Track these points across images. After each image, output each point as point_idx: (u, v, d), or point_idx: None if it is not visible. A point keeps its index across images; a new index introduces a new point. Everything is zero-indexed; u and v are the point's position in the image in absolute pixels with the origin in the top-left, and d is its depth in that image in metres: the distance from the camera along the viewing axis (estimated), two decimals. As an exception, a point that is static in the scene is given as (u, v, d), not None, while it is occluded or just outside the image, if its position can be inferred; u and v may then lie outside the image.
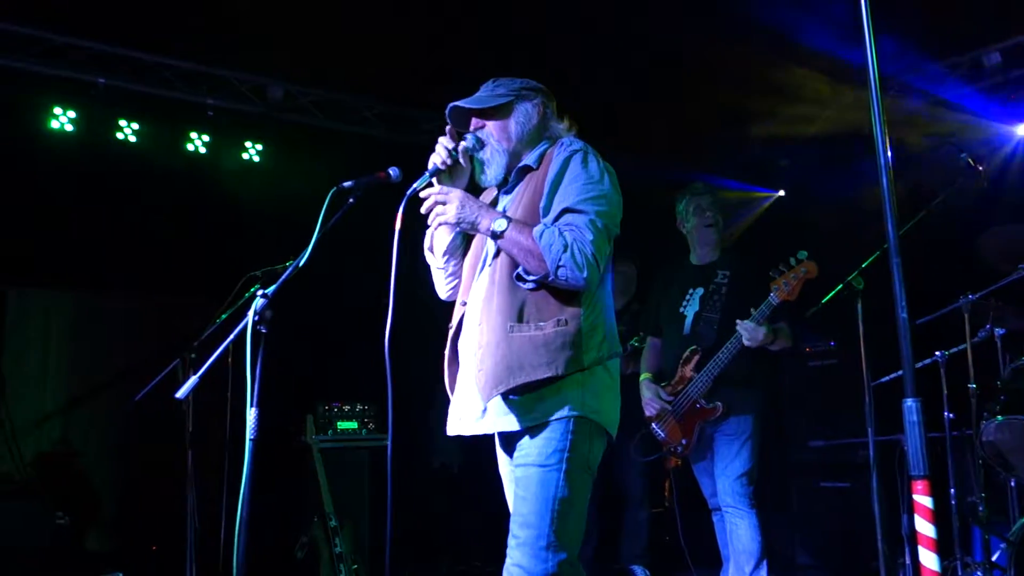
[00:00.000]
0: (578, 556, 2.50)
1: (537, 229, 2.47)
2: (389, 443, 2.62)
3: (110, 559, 4.98)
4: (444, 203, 2.55)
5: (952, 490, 4.25)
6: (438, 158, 2.63)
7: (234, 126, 6.17)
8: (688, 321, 4.60)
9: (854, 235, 4.54)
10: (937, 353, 4.31)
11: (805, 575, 5.73)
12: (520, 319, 2.51)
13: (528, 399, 2.49)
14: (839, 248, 4.55)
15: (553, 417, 2.48)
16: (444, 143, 2.65)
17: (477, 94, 2.76)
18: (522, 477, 2.50)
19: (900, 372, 4.28)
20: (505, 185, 2.79)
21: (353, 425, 5.97)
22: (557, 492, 2.43)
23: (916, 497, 1.99)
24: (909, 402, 1.97)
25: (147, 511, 6.12)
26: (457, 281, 2.85)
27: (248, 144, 6.28)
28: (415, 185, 2.61)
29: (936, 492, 4.32)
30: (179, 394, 2.91)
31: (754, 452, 4.44)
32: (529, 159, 2.71)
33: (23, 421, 6.31)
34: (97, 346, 6.92)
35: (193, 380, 2.91)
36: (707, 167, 7.13)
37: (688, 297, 4.67)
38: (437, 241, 2.82)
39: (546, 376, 2.46)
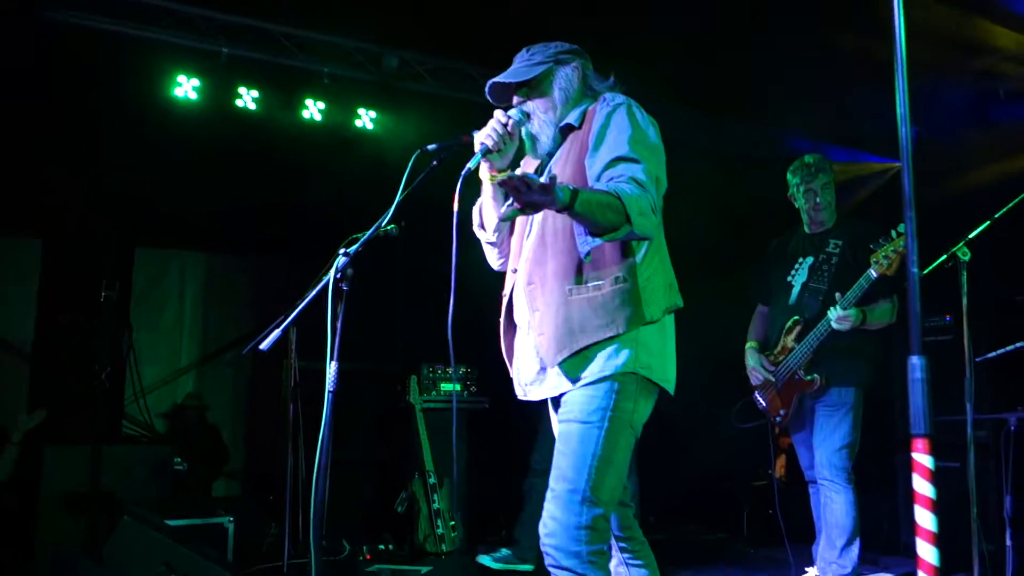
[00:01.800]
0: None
1: (603, 184, 2.44)
2: (454, 417, 2.70)
3: (230, 504, 5.25)
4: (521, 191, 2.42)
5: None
6: (489, 140, 2.59)
7: (349, 93, 6.34)
8: (795, 291, 4.54)
9: (968, 207, 4.34)
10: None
11: (908, 554, 5.54)
12: (578, 280, 2.51)
13: (583, 359, 2.50)
14: (953, 220, 4.37)
15: (605, 375, 2.48)
16: (495, 124, 2.61)
17: (514, 66, 2.73)
18: (564, 432, 2.52)
19: (1010, 347, 4.15)
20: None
21: (456, 387, 6.12)
22: (597, 449, 2.44)
23: (915, 455, 1.97)
24: (914, 359, 1.94)
25: (267, 461, 6.44)
26: (507, 252, 2.85)
27: (362, 111, 6.45)
28: (469, 165, 2.59)
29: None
30: (263, 346, 3.07)
31: (855, 425, 4.34)
32: (571, 118, 2.68)
33: (157, 376, 6.73)
34: (227, 304, 7.31)
35: (276, 333, 3.07)
36: (829, 135, 6.93)
37: (798, 266, 4.59)
38: (487, 216, 2.82)
39: (608, 336, 2.47)
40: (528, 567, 4.85)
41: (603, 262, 2.51)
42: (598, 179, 2.50)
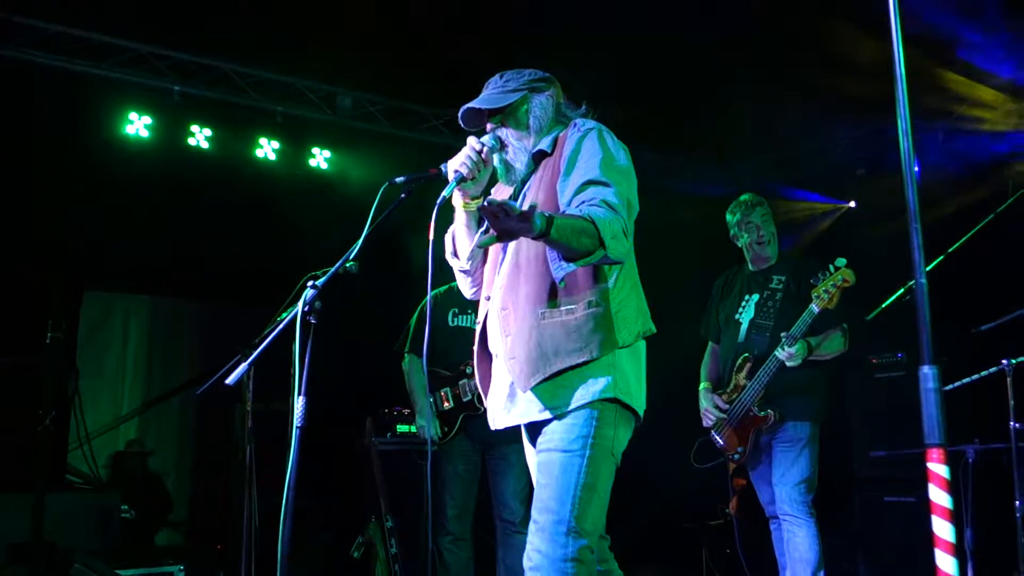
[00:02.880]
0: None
1: (575, 208, 2.43)
2: (428, 453, 2.66)
3: (177, 553, 5.08)
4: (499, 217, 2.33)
5: (1017, 503, 4.10)
6: (464, 168, 2.58)
7: (303, 133, 6.30)
8: (743, 328, 4.58)
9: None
10: (1004, 361, 4.17)
11: (869, 592, 5.58)
12: (551, 305, 2.49)
13: (558, 386, 2.48)
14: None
15: (583, 403, 2.46)
16: (469, 152, 2.60)
17: (487, 92, 2.73)
18: (544, 462, 2.49)
19: (967, 379, 4.22)
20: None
21: (412, 428, 6.02)
22: (579, 478, 2.42)
23: (931, 465, 1.99)
24: (925, 369, 1.97)
25: (214, 508, 6.27)
26: (480, 281, 2.83)
27: (316, 150, 6.41)
28: (444, 193, 2.58)
29: (1003, 505, 4.20)
30: (229, 380, 2.99)
31: (812, 459, 4.37)
32: (543, 144, 2.68)
33: (99, 422, 6.53)
34: (172, 348, 7.15)
35: (243, 367, 3.00)
36: (779, 177, 7.06)
37: (744, 303, 4.65)
38: (460, 245, 2.81)
39: (581, 361, 2.45)
40: None
41: (576, 287, 2.50)
42: (569, 203, 2.49)
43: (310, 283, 2.88)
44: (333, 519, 5.99)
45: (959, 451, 4.42)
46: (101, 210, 5.75)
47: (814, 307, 4.22)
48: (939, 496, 1.94)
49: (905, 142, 1.83)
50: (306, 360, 2.80)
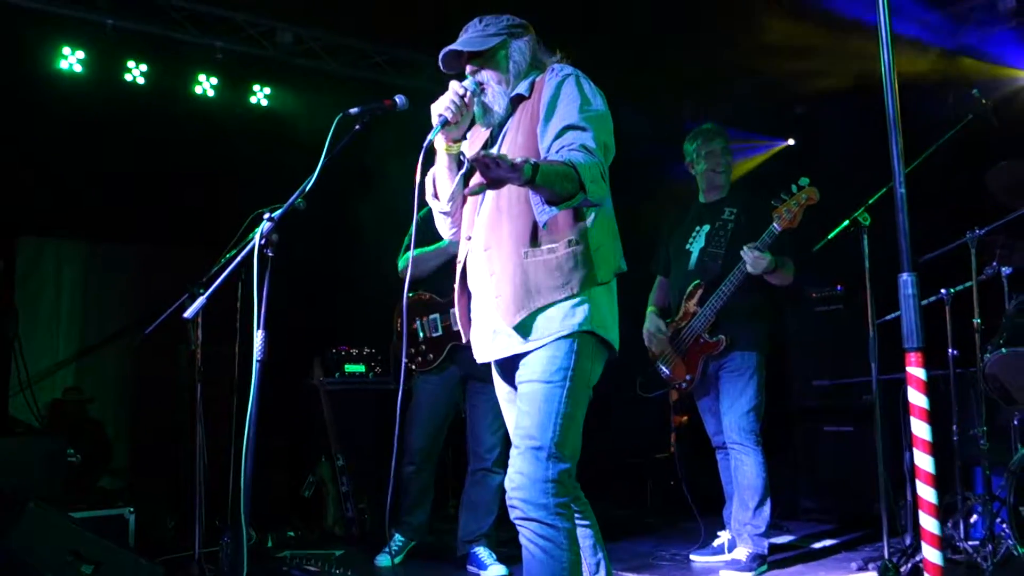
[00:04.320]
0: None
1: (555, 153, 2.51)
2: (400, 393, 2.67)
3: (123, 497, 5.02)
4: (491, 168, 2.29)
5: (955, 427, 4.26)
6: (448, 112, 2.62)
7: (243, 69, 6.16)
8: (693, 256, 4.64)
9: (863, 177, 4.53)
10: (943, 291, 4.31)
11: (808, 518, 5.77)
12: (533, 244, 2.58)
13: (541, 319, 2.57)
14: (847, 191, 4.54)
15: (564, 333, 2.55)
16: (452, 96, 2.64)
17: (467, 36, 2.77)
18: (527, 393, 2.58)
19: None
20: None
21: (360, 368, 6.02)
22: (560, 407, 2.53)
23: (909, 369, 2.11)
24: (905, 276, 2.05)
25: (156, 452, 6.20)
26: (459, 221, 2.88)
27: (256, 87, 6.27)
28: (429, 137, 2.62)
29: (939, 429, 4.36)
30: (187, 314, 2.96)
31: (760, 389, 4.48)
32: (521, 88, 2.74)
33: (37, 369, 6.37)
34: (108, 294, 6.97)
35: (201, 300, 2.97)
36: (717, 116, 7.11)
37: (695, 234, 4.71)
38: (441, 187, 2.85)
39: (563, 296, 2.55)
40: (413, 543, 4.76)
41: (556, 227, 2.59)
42: (549, 148, 2.57)
43: (266, 215, 2.85)
44: (283, 459, 5.98)
45: (899, 379, 4.55)
46: (33, 150, 5.55)
47: (776, 226, 4.26)
48: (917, 398, 2.07)
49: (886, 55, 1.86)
50: (264, 293, 2.78)
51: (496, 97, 2.73)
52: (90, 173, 5.87)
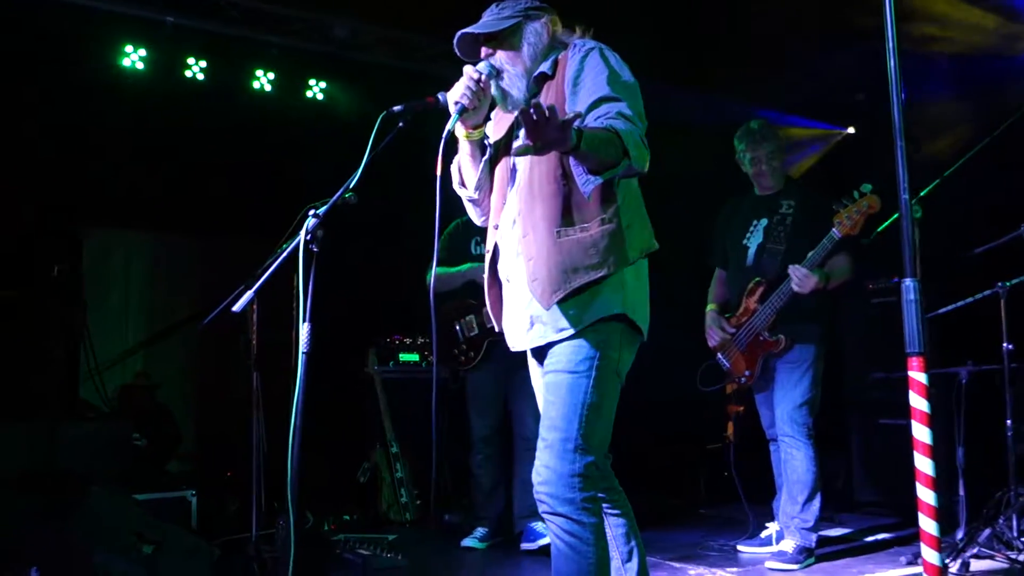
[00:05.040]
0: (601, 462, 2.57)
1: (599, 122, 2.43)
2: (434, 385, 2.71)
3: (188, 480, 5.19)
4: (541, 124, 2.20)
5: (1009, 422, 4.19)
6: (465, 99, 2.57)
7: (299, 64, 6.26)
8: (751, 252, 4.60)
9: (918, 166, 4.45)
10: (998, 284, 4.23)
11: (863, 512, 5.71)
12: (565, 223, 2.53)
13: (574, 304, 2.52)
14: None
15: (596, 318, 2.51)
16: (468, 81, 2.59)
17: (483, 20, 2.72)
18: (552, 383, 2.55)
19: (962, 302, 4.27)
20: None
21: (414, 357, 6.12)
22: (586, 398, 2.48)
23: (911, 373, 2.11)
24: (908, 282, 2.08)
25: (220, 438, 6.37)
26: (488, 209, 2.85)
27: (312, 82, 6.38)
28: (448, 127, 2.58)
29: (993, 423, 4.29)
30: (235, 308, 3.05)
31: (815, 382, 4.45)
32: (544, 67, 2.68)
33: (106, 356, 6.58)
34: (172, 284, 7.18)
35: (248, 294, 3.05)
36: (773, 103, 7.03)
37: (752, 228, 4.66)
38: (466, 175, 2.82)
39: (601, 275, 2.50)
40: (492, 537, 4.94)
41: (587, 205, 2.53)
42: (583, 122, 2.48)
43: (311, 212, 2.93)
44: (339, 446, 6.11)
45: (953, 373, 4.49)
46: (101, 145, 5.73)
47: (836, 232, 4.22)
48: (918, 402, 2.08)
49: (892, 60, 1.86)
50: (310, 287, 2.85)
51: (514, 80, 2.66)
52: (153, 167, 6.03)
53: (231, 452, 6.11)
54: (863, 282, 5.84)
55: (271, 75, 6.17)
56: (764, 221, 4.62)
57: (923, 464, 2.07)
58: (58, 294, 4.65)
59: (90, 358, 5.75)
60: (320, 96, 6.41)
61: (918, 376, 2.24)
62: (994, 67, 5.56)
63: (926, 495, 2.07)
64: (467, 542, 4.89)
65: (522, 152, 2.26)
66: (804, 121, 7.24)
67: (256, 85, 6.14)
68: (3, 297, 5.14)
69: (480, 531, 4.90)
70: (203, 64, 5.92)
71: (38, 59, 5.37)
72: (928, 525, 2.08)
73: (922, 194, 4.11)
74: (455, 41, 2.74)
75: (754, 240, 4.63)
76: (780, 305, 4.40)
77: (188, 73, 5.87)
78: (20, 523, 3.60)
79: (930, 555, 2.06)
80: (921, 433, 2.10)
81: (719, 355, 4.72)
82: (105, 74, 5.62)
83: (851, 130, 7.34)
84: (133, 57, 5.65)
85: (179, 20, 5.62)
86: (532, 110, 2.10)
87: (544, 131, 2.14)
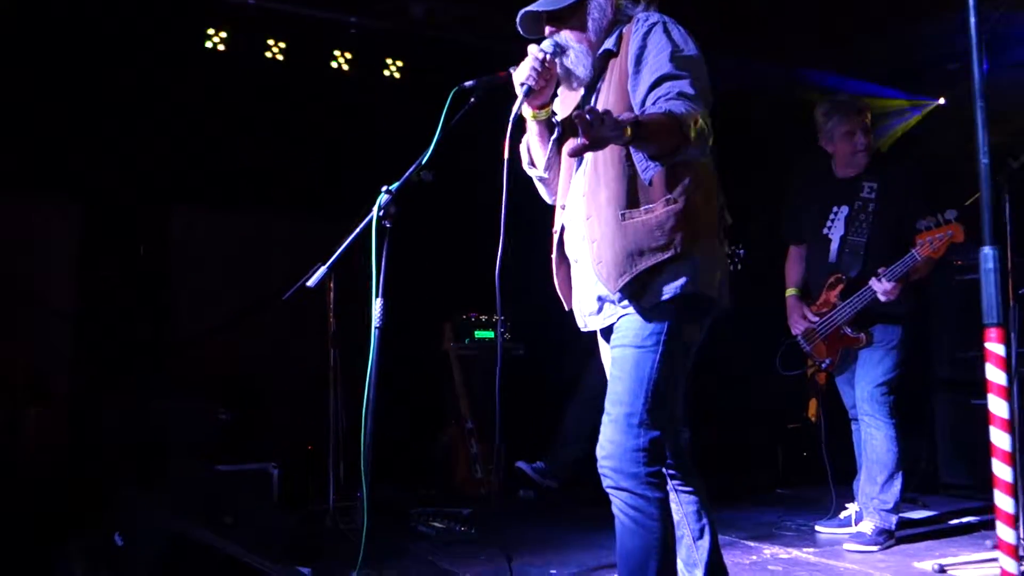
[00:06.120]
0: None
1: (652, 105, 2.41)
2: (498, 365, 2.72)
3: (271, 454, 5.33)
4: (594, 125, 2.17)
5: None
6: (531, 79, 2.54)
7: (376, 44, 6.31)
8: (834, 246, 4.48)
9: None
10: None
11: (949, 493, 5.56)
12: (630, 205, 2.50)
13: (642, 284, 2.50)
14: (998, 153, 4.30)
15: (664, 298, 2.48)
16: (532, 62, 2.56)
17: None
18: (619, 357, 2.53)
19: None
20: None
21: (489, 334, 6.16)
22: (652, 373, 2.46)
23: (988, 345, 2.03)
24: (986, 249, 2.00)
25: (301, 412, 6.51)
26: (556, 189, 2.83)
27: (389, 61, 6.43)
28: (515, 109, 2.56)
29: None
30: (310, 283, 3.12)
31: (899, 363, 4.35)
32: (608, 44, 2.63)
33: (192, 332, 6.78)
34: (259, 263, 7.35)
35: (323, 270, 3.11)
36: (857, 72, 6.81)
37: (832, 216, 4.52)
38: (535, 154, 2.80)
39: (668, 256, 2.47)
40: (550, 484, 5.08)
41: (652, 186, 2.50)
42: (643, 101, 2.46)
43: (384, 188, 2.96)
44: (414, 421, 6.19)
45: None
46: (187, 124, 5.89)
47: (916, 253, 4.14)
48: (995, 374, 2.01)
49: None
50: (382, 263, 2.89)
51: (579, 57, 2.61)
52: (235, 147, 6.17)
53: (312, 427, 6.25)
54: (949, 257, 5.66)
55: (348, 55, 6.23)
56: (845, 209, 4.48)
57: (999, 439, 2.02)
58: (145, 272, 4.79)
59: (177, 334, 5.94)
60: (397, 75, 6.45)
61: (995, 348, 2.10)
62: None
63: (1002, 471, 2.01)
64: (520, 464, 5.00)
65: (577, 152, 2.21)
66: (890, 91, 7.00)
67: (334, 65, 6.21)
68: (95, 276, 5.35)
69: (539, 464, 5.02)
70: (283, 45, 6.00)
71: (125, 42, 5.53)
72: (1003, 502, 2.02)
73: (1014, 166, 3.94)
74: (518, 20, 2.73)
75: (836, 232, 4.50)
76: (861, 307, 4.33)
77: (268, 54, 5.96)
78: (108, 491, 3.75)
79: (1005, 533, 2.00)
80: (998, 407, 2.06)
81: (800, 338, 4.64)
82: (189, 56, 5.74)
83: (942, 100, 7.09)
84: (215, 39, 5.76)
85: (260, 2, 5.71)
86: (587, 114, 2.07)
87: (597, 131, 2.11)
